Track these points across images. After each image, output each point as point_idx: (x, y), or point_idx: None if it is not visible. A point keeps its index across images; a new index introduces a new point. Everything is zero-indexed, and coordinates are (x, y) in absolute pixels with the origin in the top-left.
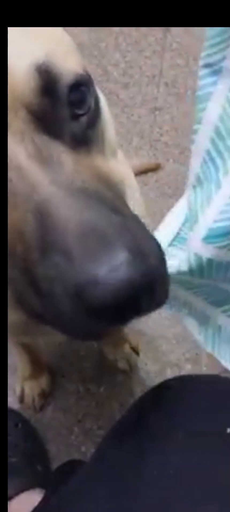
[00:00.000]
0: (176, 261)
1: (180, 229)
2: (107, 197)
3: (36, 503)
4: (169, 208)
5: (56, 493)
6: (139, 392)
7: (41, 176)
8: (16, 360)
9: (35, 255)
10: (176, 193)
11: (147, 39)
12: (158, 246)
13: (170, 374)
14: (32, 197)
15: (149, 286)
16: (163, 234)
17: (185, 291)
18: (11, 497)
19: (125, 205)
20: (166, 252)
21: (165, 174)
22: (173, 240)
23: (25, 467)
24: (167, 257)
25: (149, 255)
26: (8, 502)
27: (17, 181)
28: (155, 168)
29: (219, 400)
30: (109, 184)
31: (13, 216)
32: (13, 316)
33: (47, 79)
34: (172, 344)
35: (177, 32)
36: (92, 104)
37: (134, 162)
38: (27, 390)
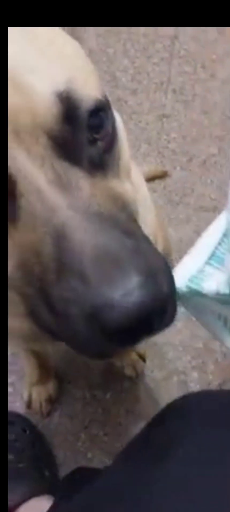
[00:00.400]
0: (214, 283)
1: (216, 248)
2: (121, 220)
3: (44, 510)
4: (176, 215)
5: (66, 501)
6: (145, 398)
7: (60, 200)
8: (23, 365)
9: (51, 276)
10: (183, 201)
11: (155, 46)
12: (167, 266)
13: (176, 381)
14: (51, 220)
15: (160, 308)
16: (199, 252)
17: (221, 304)
18: (19, 504)
19: (137, 225)
20: (203, 271)
21: (172, 181)
22: (210, 258)
23: (33, 472)
24: (204, 277)
25: (160, 277)
26: (16, 509)
27: (36, 204)
28: (162, 176)
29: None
30: (123, 205)
31: (32, 237)
32: (24, 324)
33: (68, 105)
34: (178, 351)
35: (184, 39)
36: (110, 129)
37: (142, 169)
38: (34, 396)
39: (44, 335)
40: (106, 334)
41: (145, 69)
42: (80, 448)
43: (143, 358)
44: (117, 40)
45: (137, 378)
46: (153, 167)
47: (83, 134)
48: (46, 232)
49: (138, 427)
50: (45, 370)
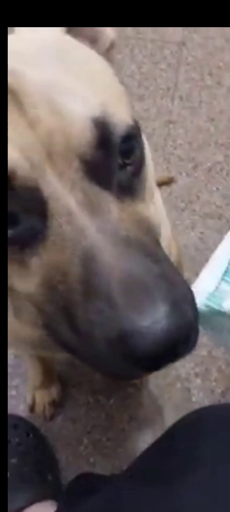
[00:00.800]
0: None
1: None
2: (147, 244)
3: None
4: (181, 221)
5: (70, 507)
6: (148, 405)
7: (89, 223)
8: (27, 369)
9: (77, 297)
10: (189, 207)
11: (162, 52)
12: (191, 291)
13: (179, 387)
14: (80, 242)
15: (185, 336)
16: (214, 267)
17: None
18: (22, 508)
19: (161, 249)
20: (219, 289)
21: (178, 187)
22: (224, 274)
23: (36, 476)
24: (223, 295)
25: (185, 305)
26: None
27: (66, 226)
28: (169, 182)
29: None
30: (148, 229)
31: (59, 257)
32: (35, 332)
33: (102, 131)
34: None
35: (192, 45)
36: (139, 154)
37: None
38: (38, 399)
39: (56, 346)
40: (132, 359)
41: (152, 75)
42: (82, 452)
43: None
44: (125, 45)
45: (141, 384)
46: (159, 173)
47: (115, 159)
48: (74, 254)
49: (141, 434)
50: (49, 374)
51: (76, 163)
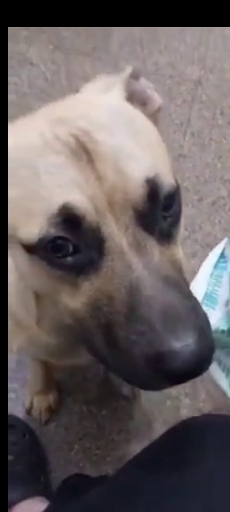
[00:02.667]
0: (213, 321)
1: (208, 285)
2: (181, 283)
3: (39, 511)
4: (184, 249)
5: (62, 503)
6: (138, 419)
7: (136, 261)
8: (27, 374)
9: (120, 318)
10: (191, 236)
11: (179, 88)
12: (208, 321)
13: (169, 405)
14: (128, 276)
15: (207, 356)
16: (196, 290)
17: (219, 350)
18: (14, 503)
19: (188, 286)
20: None
21: (182, 217)
22: (204, 298)
23: (29, 475)
24: None
25: (207, 332)
26: (12, 508)
27: (118, 261)
28: None
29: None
30: (179, 269)
31: (109, 285)
32: (51, 339)
33: (153, 189)
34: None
35: (207, 85)
36: (177, 208)
37: None
38: (35, 404)
39: (67, 354)
40: (166, 373)
41: (168, 110)
42: (72, 458)
43: None
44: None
45: (133, 398)
46: None
47: (159, 211)
48: (122, 284)
49: (129, 445)
50: (48, 381)
51: (130, 212)
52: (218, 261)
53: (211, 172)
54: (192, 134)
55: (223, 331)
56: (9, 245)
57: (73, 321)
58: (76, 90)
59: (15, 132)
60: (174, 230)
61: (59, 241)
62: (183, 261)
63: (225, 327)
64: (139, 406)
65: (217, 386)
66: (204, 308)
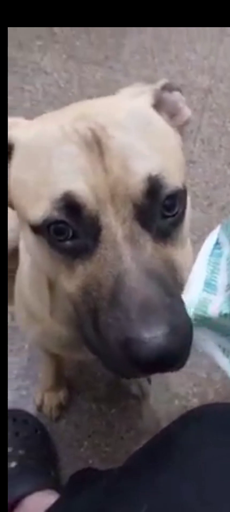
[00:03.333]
0: (214, 307)
1: (207, 272)
2: (166, 280)
3: (49, 504)
4: (194, 252)
5: (72, 496)
6: (147, 417)
7: (127, 253)
8: (38, 372)
9: (104, 304)
10: (200, 240)
11: (190, 97)
12: (191, 328)
13: (177, 404)
14: (117, 266)
15: (174, 355)
16: (196, 279)
17: (220, 337)
18: (25, 495)
19: (178, 288)
20: (203, 298)
21: (192, 221)
22: (203, 285)
23: (40, 469)
24: (207, 304)
25: (181, 334)
26: (23, 499)
27: (110, 251)
28: None
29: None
30: (172, 269)
31: (99, 272)
32: (65, 331)
33: (154, 186)
34: (182, 377)
35: (218, 94)
36: (180, 211)
37: None
38: (46, 401)
39: (79, 345)
40: (133, 360)
41: None
42: (82, 454)
43: (148, 379)
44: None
45: (142, 397)
46: None
47: (158, 209)
48: (111, 272)
49: (137, 443)
50: (59, 379)
51: (130, 206)
52: (213, 249)
53: (220, 178)
54: (202, 141)
55: (225, 315)
56: (22, 227)
57: (71, 306)
58: (88, 98)
59: (41, 123)
60: (174, 231)
61: (61, 225)
62: (181, 262)
63: (227, 311)
64: (148, 405)
65: (226, 387)
66: (205, 295)
